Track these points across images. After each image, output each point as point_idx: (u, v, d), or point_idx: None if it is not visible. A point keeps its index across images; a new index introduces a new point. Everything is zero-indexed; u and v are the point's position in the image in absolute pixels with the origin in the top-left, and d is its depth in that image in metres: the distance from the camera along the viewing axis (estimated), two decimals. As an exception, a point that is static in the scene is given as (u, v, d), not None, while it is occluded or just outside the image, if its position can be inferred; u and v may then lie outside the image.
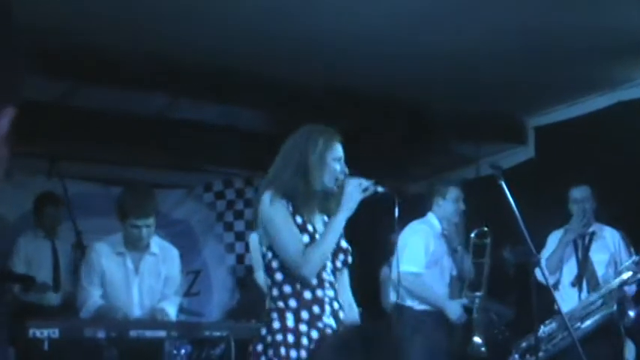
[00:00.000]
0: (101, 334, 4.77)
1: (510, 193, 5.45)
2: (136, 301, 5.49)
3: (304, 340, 3.65)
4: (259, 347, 3.71)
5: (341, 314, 3.80)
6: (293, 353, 3.63)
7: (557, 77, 6.95)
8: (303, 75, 6.66)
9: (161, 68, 6.51)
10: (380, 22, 5.86)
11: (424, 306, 6.18)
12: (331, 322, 3.72)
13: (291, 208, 3.74)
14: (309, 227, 3.77)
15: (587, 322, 6.05)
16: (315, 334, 3.67)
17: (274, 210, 3.69)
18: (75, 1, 5.45)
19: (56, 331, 4.66)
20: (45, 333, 4.63)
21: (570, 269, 6.34)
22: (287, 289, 3.72)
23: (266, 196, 3.72)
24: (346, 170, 3.80)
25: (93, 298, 5.39)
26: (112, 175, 8.12)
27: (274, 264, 3.75)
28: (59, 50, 6.13)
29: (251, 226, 8.29)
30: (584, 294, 6.24)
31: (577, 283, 6.30)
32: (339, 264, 3.83)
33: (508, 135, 8.15)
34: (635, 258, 6.03)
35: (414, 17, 5.79)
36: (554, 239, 6.45)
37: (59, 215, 7.24)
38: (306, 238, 3.74)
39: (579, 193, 6.32)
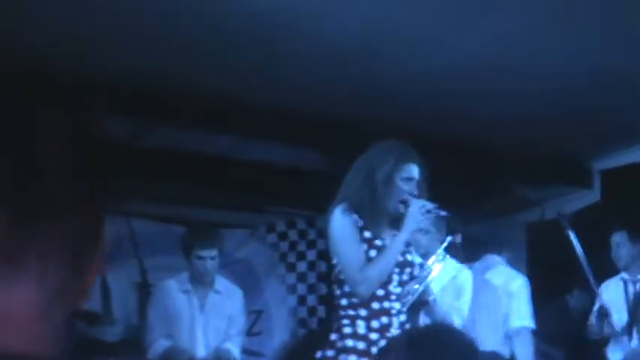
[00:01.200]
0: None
1: (576, 238, 5.41)
2: (200, 340, 5.56)
3: (374, 349, 3.66)
4: (330, 353, 3.76)
5: (407, 326, 3.82)
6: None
7: (625, 120, 6.87)
8: (364, 117, 6.68)
9: (227, 108, 6.58)
10: (445, 61, 5.87)
11: None
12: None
13: (361, 223, 3.77)
14: (378, 242, 3.80)
15: None
16: (383, 344, 3.66)
17: (341, 223, 3.76)
18: (145, 43, 5.54)
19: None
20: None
21: (620, 317, 6.23)
22: (355, 299, 3.76)
23: (337, 210, 3.77)
24: (416, 192, 3.81)
25: (159, 338, 5.44)
26: (176, 215, 8.20)
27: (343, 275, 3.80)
28: (122, 90, 6.24)
29: (313, 267, 8.39)
30: (634, 342, 6.12)
31: (627, 331, 6.18)
32: (405, 277, 3.84)
33: (573, 178, 8.05)
34: None
35: (479, 57, 5.78)
36: (608, 289, 6.31)
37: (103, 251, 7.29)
38: (373, 253, 3.77)
39: (614, 239, 6.27)
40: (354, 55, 5.72)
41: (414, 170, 3.86)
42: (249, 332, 8.08)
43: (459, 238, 4.46)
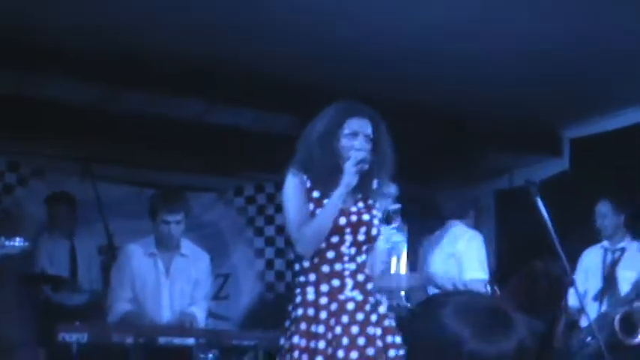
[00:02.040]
0: (129, 339, 4.79)
1: (544, 207, 5.40)
2: (165, 303, 5.52)
3: (322, 314, 3.62)
4: (287, 323, 3.72)
5: (369, 286, 3.73)
6: (313, 327, 3.63)
7: (595, 89, 6.88)
8: (339, 81, 6.63)
9: (197, 73, 6.52)
10: (417, 32, 5.84)
11: None
12: (354, 294, 3.68)
13: (309, 184, 3.73)
14: (326, 201, 3.71)
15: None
16: (334, 307, 3.64)
17: (288, 184, 3.72)
18: (113, 5, 5.45)
19: (85, 335, 4.70)
20: (74, 337, 4.68)
21: (595, 283, 6.28)
22: (306, 263, 3.72)
23: (288, 172, 3.73)
24: (366, 146, 3.72)
25: (120, 301, 5.41)
26: (145, 178, 8.15)
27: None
28: (96, 54, 6.15)
29: (281, 231, 8.37)
30: (604, 307, 6.19)
31: (599, 297, 6.24)
32: (360, 237, 3.74)
33: (543, 146, 8.06)
34: None
35: (452, 27, 5.75)
36: (588, 256, 6.39)
37: (75, 215, 7.29)
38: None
39: (599, 208, 6.28)
40: (325, 19, 5.66)
41: (358, 124, 3.76)
42: (217, 296, 8.08)
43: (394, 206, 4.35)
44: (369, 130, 3.77)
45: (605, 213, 6.24)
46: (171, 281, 5.51)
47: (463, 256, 5.83)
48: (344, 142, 3.73)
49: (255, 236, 8.66)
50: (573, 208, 6.78)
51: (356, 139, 3.73)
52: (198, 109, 7.08)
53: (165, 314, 5.47)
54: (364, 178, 3.75)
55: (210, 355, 4.98)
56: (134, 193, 8.04)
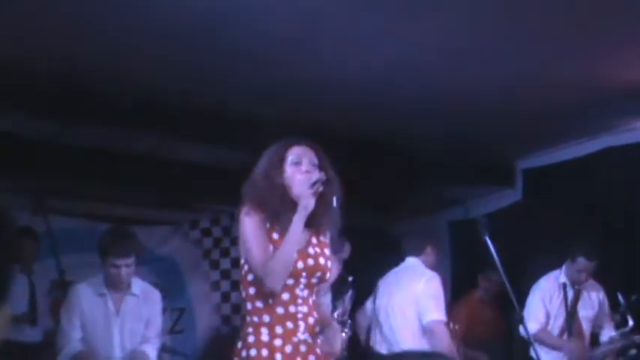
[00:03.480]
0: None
1: (498, 236, 5.45)
2: (116, 343, 5.45)
3: (278, 356, 3.58)
4: (242, 351, 3.64)
5: (317, 328, 3.71)
6: None
7: (547, 122, 6.96)
8: (291, 115, 6.66)
9: (149, 108, 6.50)
10: (372, 68, 5.89)
11: None
12: (306, 337, 3.66)
13: (268, 225, 3.67)
14: None
15: None
16: (289, 350, 3.60)
17: (245, 224, 3.65)
18: (67, 41, 5.42)
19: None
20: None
21: (558, 322, 6.36)
22: (259, 304, 3.65)
23: (242, 213, 3.67)
24: (317, 175, 3.66)
25: (72, 342, 5.34)
26: (99, 212, 8.08)
27: (249, 277, 3.69)
28: (48, 88, 6.11)
29: (237, 263, 8.33)
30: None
31: (564, 336, 6.32)
32: (314, 280, 3.72)
33: (496, 177, 8.13)
34: (625, 329, 6.12)
35: (403, 63, 5.80)
36: (543, 286, 6.45)
37: (36, 251, 7.19)
38: None
39: (579, 262, 6.33)
40: (277, 54, 5.68)
41: (301, 150, 3.74)
42: (172, 330, 8.01)
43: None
44: (312, 156, 3.76)
45: (581, 270, 6.31)
46: (122, 321, 5.44)
47: (421, 298, 5.81)
48: (289, 171, 3.70)
49: (211, 269, 8.62)
50: (526, 238, 6.85)
51: (300, 165, 3.70)
52: (152, 144, 7.06)
53: (116, 353, 5.41)
54: (316, 210, 3.70)
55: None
56: (87, 227, 7.96)
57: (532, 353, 6.12)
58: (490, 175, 8.16)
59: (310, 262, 3.71)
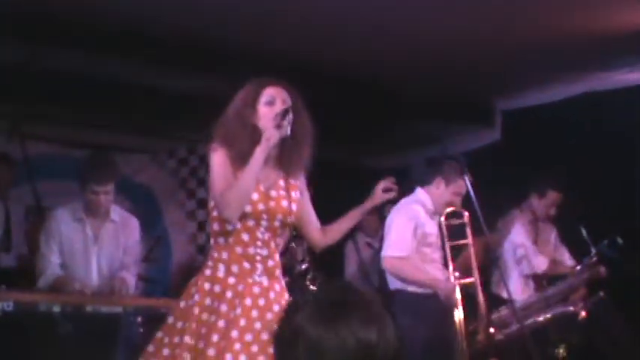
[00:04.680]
0: (56, 308, 4.75)
1: (474, 175, 5.48)
2: (94, 268, 5.50)
3: (228, 294, 3.65)
4: (191, 290, 3.74)
5: (277, 272, 3.80)
6: (215, 304, 3.65)
7: (529, 63, 6.94)
8: (270, 44, 6.61)
9: (129, 35, 6.41)
10: (351, 3, 5.81)
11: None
12: (262, 280, 3.73)
13: (235, 162, 3.72)
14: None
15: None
16: (240, 288, 3.67)
17: (213, 159, 3.72)
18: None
19: (11, 304, 4.63)
20: (-1, 306, 4.61)
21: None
22: (221, 240, 3.74)
23: (212, 146, 3.73)
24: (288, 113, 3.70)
25: (51, 267, 5.37)
26: (75, 138, 8.02)
27: (214, 212, 3.77)
28: (22, 11, 6.01)
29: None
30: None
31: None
32: (276, 223, 3.78)
33: (475, 117, 8.14)
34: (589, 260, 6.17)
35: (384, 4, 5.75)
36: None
37: (12, 176, 7.12)
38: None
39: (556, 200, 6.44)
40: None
41: (275, 91, 3.78)
42: (147, 258, 8.03)
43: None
44: (286, 96, 3.79)
45: (554, 203, 6.38)
46: (100, 247, 5.48)
47: (386, 231, 5.74)
48: (262, 111, 3.74)
49: (187, 198, 8.60)
50: (503, 178, 6.89)
51: (274, 105, 3.74)
52: (131, 71, 6.98)
53: (94, 279, 5.45)
54: (285, 150, 3.78)
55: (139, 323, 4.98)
56: (63, 153, 7.90)
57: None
58: (469, 113, 8.16)
59: (272, 204, 3.77)
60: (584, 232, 6.20)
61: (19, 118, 7.24)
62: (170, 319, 3.78)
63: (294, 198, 3.87)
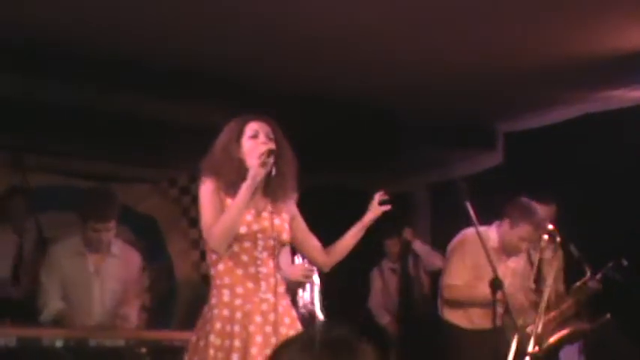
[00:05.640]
0: (59, 343, 4.74)
1: (477, 200, 5.45)
2: (96, 303, 5.47)
3: (238, 315, 3.81)
4: (200, 322, 3.92)
5: (280, 289, 3.94)
6: (228, 327, 3.80)
7: (530, 86, 6.94)
8: (271, 76, 6.64)
9: (129, 65, 6.43)
10: (354, 29, 5.83)
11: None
12: (268, 296, 3.88)
13: (223, 195, 3.90)
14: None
15: None
16: (248, 308, 3.83)
17: (201, 190, 3.93)
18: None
19: (14, 339, 4.62)
20: (2, 341, 4.59)
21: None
22: (221, 266, 3.88)
23: (200, 182, 3.96)
24: (271, 146, 3.90)
25: (53, 300, 5.35)
26: (76, 169, 8.02)
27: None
28: (22, 45, 6.04)
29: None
30: None
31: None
32: (271, 242, 3.93)
33: (477, 140, 8.13)
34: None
35: (387, 26, 5.75)
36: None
37: (25, 210, 7.09)
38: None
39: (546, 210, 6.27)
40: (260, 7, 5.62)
41: (257, 125, 3.99)
42: (151, 288, 7.99)
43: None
44: (268, 130, 3.99)
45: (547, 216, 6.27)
46: (102, 281, 5.46)
47: None
48: (247, 145, 3.94)
49: (190, 227, 8.58)
50: (506, 201, 6.85)
51: (257, 138, 3.94)
52: (130, 101, 7.00)
53: (97, 313, 5.43)
54: (271, 180, 3.95)
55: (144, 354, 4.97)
56: (65, 184, 7.89)
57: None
58: (471, 136, 8.15)
59: (265, 223, 3.95)
60: (574, 250, 6.14)
61: (21, 150, 7.25)
62: (186, 358, 3.97)
63: (284, 218, 4.05)
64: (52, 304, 5.35)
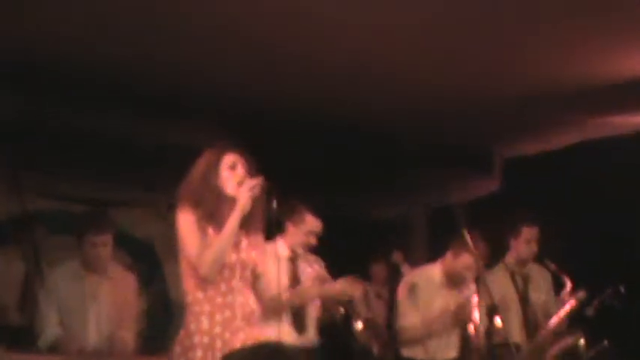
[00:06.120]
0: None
1: (473, 225, 5.47)
2: (93, 327, 5.48)
3: (218, 343, 3.91)
4: (178, 349, 3.99)
5: (253, 318, 4.05)
6: (209, 355, 3.90)
7: (528, 111, 6.97)
8: (271, 100, 6.66)
9: (124, 88, 6.46)
10: (353, 54, 5.90)
11: None
12: (243, 324, 3.99)
13: (203, 221, 4.03)
14: None
15: None
16: (227, 336, 3.93)
17: (182, 220, 4.07)
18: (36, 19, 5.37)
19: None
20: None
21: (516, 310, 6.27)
22: (199, 294, 3.97)
23: (178, 212, 4.10)
24: (255, 180, 4.01)
25: (50, 326, 5.35)
26: (75, 193, 8.02)
27: (188, 272, 4.03)
28: (21, 66, 6.06)
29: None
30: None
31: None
32: (247, 272, 4.08)
33: (475, 164, 8.14)
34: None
35: (387, 50, 5.81)
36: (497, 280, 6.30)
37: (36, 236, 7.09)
38: None
39: (524, 234, 6.25)
40: (262, 28, 5.64)
41: (235, 157, 4.11)
42: (147, 314, 7.97)
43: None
44: (244, 162, 4.13)
45: (530, 239, 6.24)
46: (98, 305, 5.47)
47: None
48: (225, 175, 4.07)
49: (187, 252, 8.55)
50: (502, 227, 6.85)
51: (235, 170, 4.07)
52: (128, 125, 7.03)
53: (93, 337, 5.44)
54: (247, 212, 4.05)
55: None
56: (62, 209, 7.89)
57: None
58: (468, 161, 8.16)
59: (242, 255, 4.06)
60: (549, 264, 6.15)
61: (18, 174, 7.24)
62: None
63: (257, 247, 4.18)
64: (49, 330, 5.36)
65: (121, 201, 8.17)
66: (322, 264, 5.78)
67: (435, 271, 6.07)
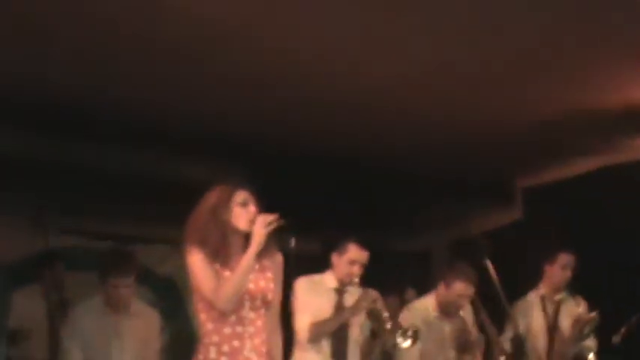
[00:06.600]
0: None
1: (496, 255, 5.44)
2: (117, 364, 5.48)
3: None
4: None
5: (264, 348, 4.10)
6: None
7: (548, 139, 6.96)
8: (292, 137, 6.71)
9: (148, 125, 6.52)
10: (372, 88, 5.93)
11: None
12: (252, 355, 4.03)
13: (209, 257, 4.05)
14: (227, 273, 4.05)
15: None
16: None
17: (191, 259, 4.07)
18: (60, 57, 5.44)
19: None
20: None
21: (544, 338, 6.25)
22: (209, 326, 4.05)
23: (187, 250, 4.10)
24: (272, 215, 4.02)
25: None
26: (99, 230, 8.06)
27: (200, 306, 4.13)
28: (45, 106, 6.12)
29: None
30: None
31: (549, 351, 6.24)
32: (258, 303, 4.09)
33: (495, 195, 8.12)
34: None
35: (404, 83, 5.85)
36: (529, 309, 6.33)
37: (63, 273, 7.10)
38: None
39: (561, 259, 6.27)
40: (270, 71, 5.69)
41: (246, 194, 4.12)
42: (169, 350, 7.97)
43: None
44: (254, 199, 4.13)
45: (567, 265, 6.24)
46: (122, 342, 5.50)
47: None
48: (236, 211, 4.07)
49: (210, 288, 8.55)
50: (525, 257, 6.82)
51: (247, 206, 4.08)
52: (151, 162, 7.07)
53: (116, 375, 5.44)
54: None
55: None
56: (86, 245, 7.93)
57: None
58: (489, 192, 8.15)
59: (251, 286, 4.08)
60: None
61: (43, 211, 7.29)
62: None
63: (268, 277, 4.19)
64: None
65: (144, 238, 8.20)
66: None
67: (428, 302, 6.08)
